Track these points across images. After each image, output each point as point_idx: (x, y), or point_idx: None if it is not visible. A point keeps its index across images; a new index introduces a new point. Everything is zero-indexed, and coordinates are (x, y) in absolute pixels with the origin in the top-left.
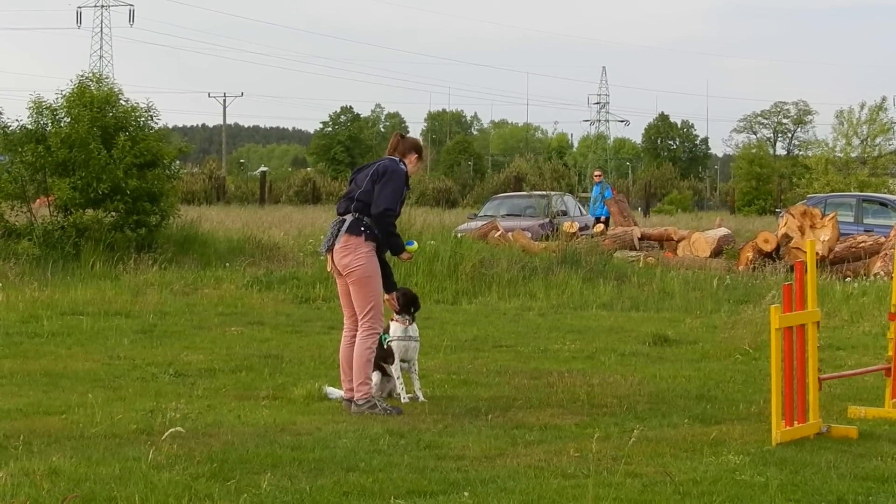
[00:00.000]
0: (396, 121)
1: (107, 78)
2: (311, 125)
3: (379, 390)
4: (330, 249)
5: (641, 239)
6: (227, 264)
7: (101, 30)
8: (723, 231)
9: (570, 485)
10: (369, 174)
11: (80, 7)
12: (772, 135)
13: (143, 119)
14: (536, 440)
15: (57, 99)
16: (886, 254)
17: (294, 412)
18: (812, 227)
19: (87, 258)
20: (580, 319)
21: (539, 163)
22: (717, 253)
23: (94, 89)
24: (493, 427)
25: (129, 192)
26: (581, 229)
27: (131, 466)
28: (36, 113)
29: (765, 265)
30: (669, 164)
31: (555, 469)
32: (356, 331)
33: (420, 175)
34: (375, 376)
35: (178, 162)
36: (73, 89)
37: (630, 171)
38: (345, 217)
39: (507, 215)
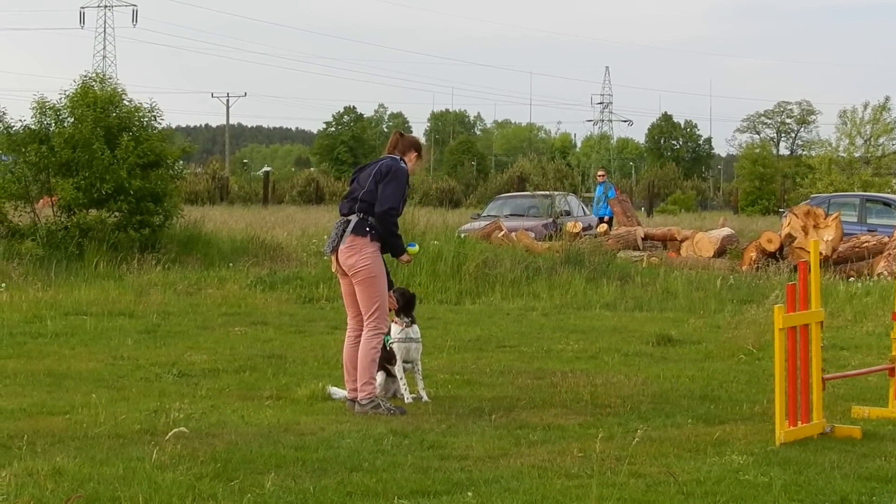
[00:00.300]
0: (400, 121)
1: (110, 78)
2: (315, 125)
3: (383, 391)
4: (335, 250)
5: (645, 239)
6: (231, 264)
7: (105, 30)
8: (726, 231)
9: (574, 485)
10: (371, 174)
11: (83, 7)
12: (775, 135)
13: (146, 119)
14: (540, 440)
15: (60, 99)
16: (890, 253)
17: (297, 412)
18: (815, 226)
19: (91, 258)
20: (584, 319)
21: (542, 163)
22: (720, 253)
23: (97, 89)
24: (496, 427)
25: (132, 192)
26: (584, 229)
27: (135, 466)
28: (39, 113)
29: (768, 265)
30: (673, 164)
31: (558, 469)
32: (360, 331)
33: (423, 175)
34: (379, 377)
35: (181, 162)
36: (76, 89)
37: (633, 171)
38: (349, 217)
39: (511, 215)
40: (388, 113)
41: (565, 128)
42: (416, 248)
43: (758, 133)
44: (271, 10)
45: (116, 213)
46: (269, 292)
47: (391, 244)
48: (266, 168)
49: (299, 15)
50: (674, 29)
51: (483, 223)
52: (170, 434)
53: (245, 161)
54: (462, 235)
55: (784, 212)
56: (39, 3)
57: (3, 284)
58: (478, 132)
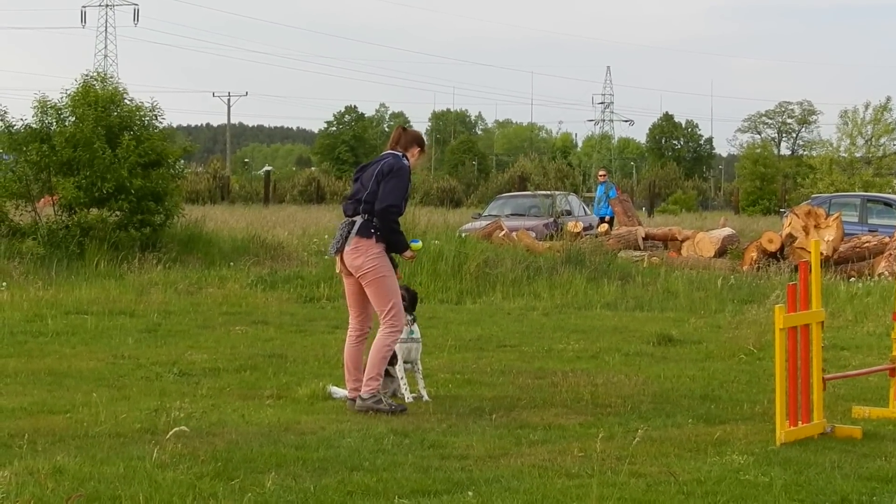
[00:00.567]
0: (401, 120)
1: (111, 77)
2: (316, 125)
3: (383, 388)
4: (339, 251)
5: (646, 239)
6: (232, 264)
7: (106, 29)
8: (727, 231)
9: (574, 484)
10: (374, 174)
11: (84, 6)
12: (776, 135)
13: (147, 118)
14: (540, 440)
15: (61, 98)
16: (891, 254)
17: (298, 411)
18: (816, 227)
19: (92, 257)
20: (584, 319)
21: (543, 162)
22: (721, 253)
23: (98, 88)
24: (497, 427)
25: (133, 191)
26: (585, 229)
27: (135, 465)
28: (40, 112)
29: (769, 265)
30: (674, 163)
31: (559, 469)
32: (361, 331)
33: (424, 175)
34: None
35: (182, 161)
36: (77, 89)
37: (634, 171)
38: (354, 219)
39: (512, 215)
40: (389, 112)
41: (566, 127)
42: (420, 244)
43: (759, 133)
44: (272, 10)
45: (117, 213)
46: (270, 291)
47: (393, 241)
48: (267, 167)
49: (300, 14)
50: (675, 29)
51: (484, 223)
52: (170, 433)
53: (246, 160)
54: (463, 235)
55: (785, 212)
56: (41, 2)
57: (4, 283)
58: (479, 132)
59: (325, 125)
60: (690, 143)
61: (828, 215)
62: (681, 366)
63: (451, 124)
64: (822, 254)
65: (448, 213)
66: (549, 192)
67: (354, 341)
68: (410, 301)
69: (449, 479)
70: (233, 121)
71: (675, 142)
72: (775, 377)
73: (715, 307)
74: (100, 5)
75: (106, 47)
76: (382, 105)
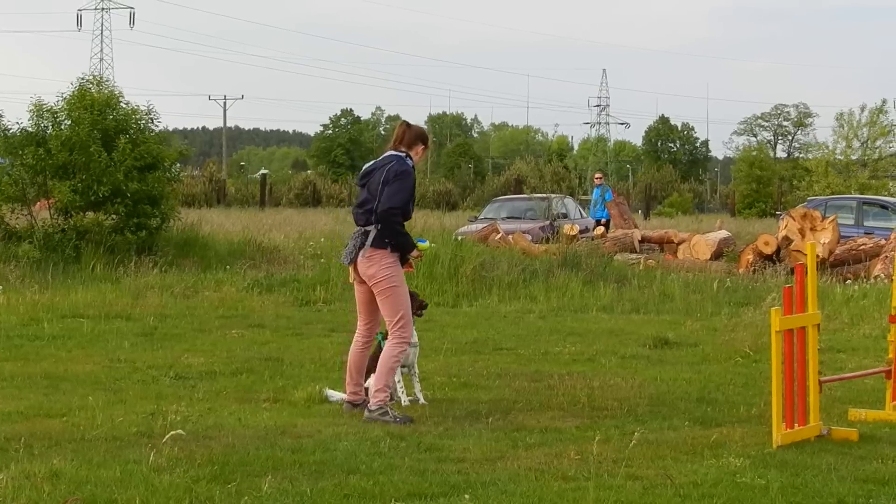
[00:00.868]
0: (397, 123)
1: (107, 81)
2: (312, 128)
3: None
4: (353, 261)
5: (642, 241)
6: (228, 267)
7: (102, 32)
8: (723, 234)
9: (571, 487)
10: (380, 182)
11: (80, 10)
12: (772, 137)
13: (143, 122)
14: (537, 443)
15: (57, 102)
16: (887, 256)
17: (294, 415)
18: (812, 229)
19: (88, 261)
20: (580, 322)
21: (539, 165)
22: (717, 255)
23: (94, 92)
24: (493, 430)
25: (129, 194)
26: (581, 232)
27: (132, 469)
28: (36, 116)
29: (765, 268)
30: (670, 166)
31: (555, 472)
32: (368, 338)
33: (420, 178)
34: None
35: (178, 165)
36: (73, 92)
37: (630, 174)
38: (367, 229)
39: (508, 218)
40: (385, 115)
41: (562, 130)
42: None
43: (755, 136)
44: (268, 13)
45: (113, 216)
46: (266, 295)
47: (398, 242)
48: (263, 171)
49: (296, 17)
50: (671, 32)
51: (480, 226)
52: (167, 437)
53: (242, 164)
54: (459, 238)
55: (781, 214)
56: (36, 6)
57: (0, 287)
58: (475, 135)
59: (321, 128)
60: (686, 146)
61: (824, 218)
62: (677, 368)
63: (447, 127)
64: (818, 256)
65: (444, 216)
66: (545, 196)
67: (360, 347)
68: (417, 305)
69: (445, 483)
70: (229, 124)
71: (671, 144)
72: (772, 380)
73: (711, 310)
74: (96, 9)
75: (102, 51)
76: (378, 108)
